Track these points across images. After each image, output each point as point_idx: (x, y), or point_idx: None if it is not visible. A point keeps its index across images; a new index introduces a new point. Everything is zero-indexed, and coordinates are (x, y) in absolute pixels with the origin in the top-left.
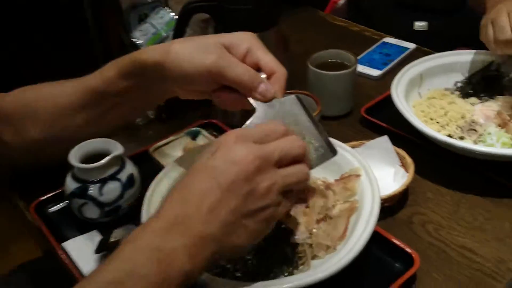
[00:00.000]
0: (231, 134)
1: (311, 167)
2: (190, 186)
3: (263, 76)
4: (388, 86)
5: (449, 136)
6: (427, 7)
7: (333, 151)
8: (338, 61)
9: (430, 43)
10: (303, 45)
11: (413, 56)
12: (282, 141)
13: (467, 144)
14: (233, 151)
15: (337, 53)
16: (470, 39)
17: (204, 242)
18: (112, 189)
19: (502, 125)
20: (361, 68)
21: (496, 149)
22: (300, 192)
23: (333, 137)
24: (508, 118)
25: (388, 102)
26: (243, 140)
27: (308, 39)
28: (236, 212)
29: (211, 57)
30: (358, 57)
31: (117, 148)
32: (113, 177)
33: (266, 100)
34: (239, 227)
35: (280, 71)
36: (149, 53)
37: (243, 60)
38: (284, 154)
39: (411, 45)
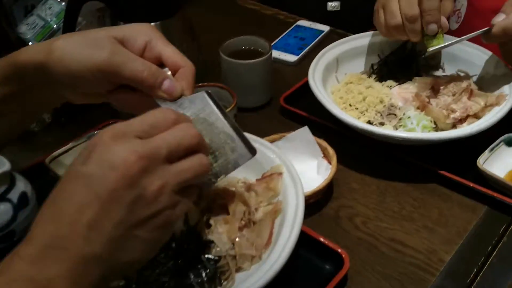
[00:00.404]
0: (107, 131)
1: (225, 172)
2: (63, 200)
3: (167, 71)
4: (306, 72)
5: (369, 122)
6: None
7: (251, 151)
8: (252, 48)
9: (343, 24)
10: (213, 33)
11: (328, 39)
12: (170, 132)
13: (387, 130)
14: (111, 153)
15: (251, 39)
16: None
17: (88, 265)
18: (2, 212)
19: (421, 107)
20: (277, 54)
21: (417, 134)
22: (219, 198)
23: (252, 131)
24: (426, 99)
25: (307, 89)
26: (123, 136)
27: (218, 25)
28: (122, 224)
29: (103, 53)
30: (273, 43)
31: (2, 164)
32: (1, 198)
33: (173, 98)
34: (129, 241)
35: (187, 65)
36: (28, 53)
37: (141, 55)
38: (175, 146)
39: (325, 28)
